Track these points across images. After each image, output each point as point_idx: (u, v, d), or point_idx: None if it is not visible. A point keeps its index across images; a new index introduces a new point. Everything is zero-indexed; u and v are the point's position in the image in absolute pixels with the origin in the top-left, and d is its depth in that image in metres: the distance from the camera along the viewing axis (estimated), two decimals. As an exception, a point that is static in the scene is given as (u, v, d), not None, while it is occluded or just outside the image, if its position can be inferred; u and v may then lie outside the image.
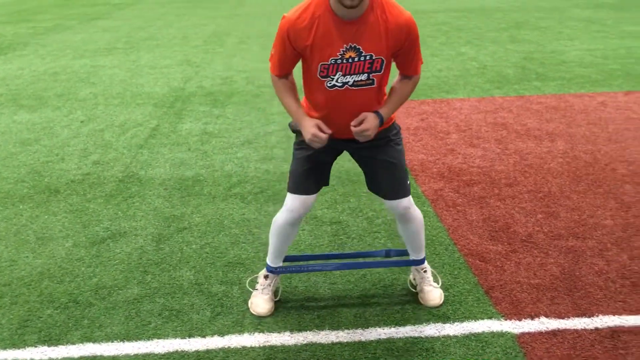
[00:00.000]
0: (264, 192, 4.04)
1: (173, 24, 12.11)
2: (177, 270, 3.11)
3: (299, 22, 2.26)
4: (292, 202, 2.57)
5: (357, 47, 2.27)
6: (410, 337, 2.55)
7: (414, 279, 2.88)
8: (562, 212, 3.65)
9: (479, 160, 4.54)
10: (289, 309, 2.77)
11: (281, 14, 2.36)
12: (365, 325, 2.64)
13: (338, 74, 2.31)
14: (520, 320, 2.63)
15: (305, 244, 3.35)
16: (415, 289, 2.85)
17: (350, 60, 2.29)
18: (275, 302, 2.79)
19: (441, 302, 2.77)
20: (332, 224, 3.58)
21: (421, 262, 2.83)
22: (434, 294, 2.78)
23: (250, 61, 8.33)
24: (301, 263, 2.97)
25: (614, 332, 2.53)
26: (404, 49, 2.33)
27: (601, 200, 3.78)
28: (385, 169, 2.54)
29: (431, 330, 2.59)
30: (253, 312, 2.73)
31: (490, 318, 2.66)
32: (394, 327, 2.62)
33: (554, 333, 2.54)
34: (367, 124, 2.33)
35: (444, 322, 2.64)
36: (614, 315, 2.64)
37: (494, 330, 2.57)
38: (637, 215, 3.57)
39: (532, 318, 2.64)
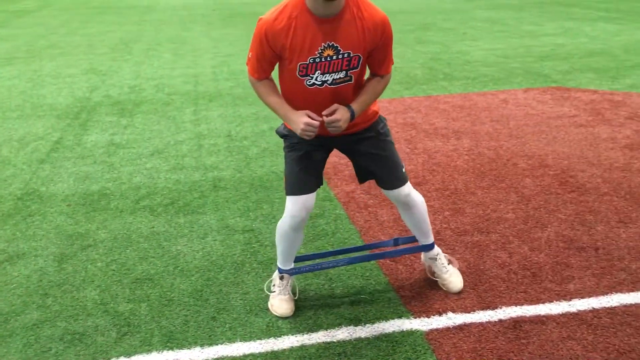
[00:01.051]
0: (175, 203, 3.94)
1: (77, 32, 11.63)
2: (80, 291, 2.96)
3: (277, 24, 2.28)
4: (293, 205, 2.57)
5: (335, 45, 2.31)
6: (323, 342, 2.55)
7: (430, 267, 2.95)
8: (467, 208, 3.77)
9: (389, 160, 4.62)
10: (199, 323, 2.70)
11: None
12: (278, 333, 2.62)
13: (317, 72, 2.35)
14: (428, 317, 2.69)
15: (217, 254, 3.29)
16: (434, 277, 2.93)
17: (328, 59, 2.33)
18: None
19: (462, 285, 2.86)
20: (244, 232, 3.54)
21: (431, 246, 2.89)
22: (454, 281, 2.87)
23: (160, 68, 8.12)
24: (312, 262, 2.96)
25: (516, 323, 2.63)
26: (378, 48, 2.39)
27: (503, 194, 3.94)
28: (377, 162, 2.61)
29: (343, 334, 2.60)
30: (275, 314, 2.74)
31: (400, 317, 2.70)
32: (307, 333, 2.61)
33: (461, 327, 2.61)
34: (338, 115, 2.36)
35: (356, 325, 2.66)
36: (516, 306, 2.75)
37: (404, 329, 2.61)
38: (537, 207, 3.74)
39: (440, 314, 2.71)
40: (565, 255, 3.17)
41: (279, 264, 2.81)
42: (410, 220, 2.80)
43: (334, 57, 2.32)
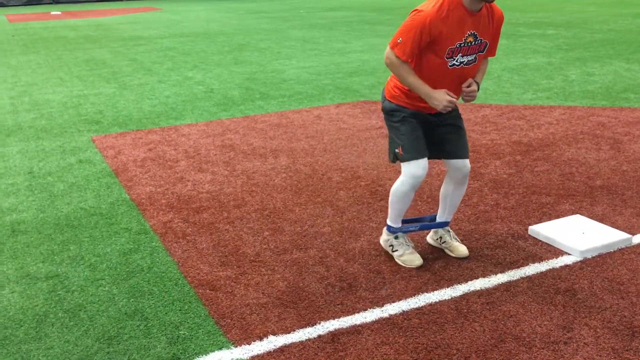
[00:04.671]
0: (-36, 256, 3.48)
1: None
2: None
3: (439, 14, 2.82)
4: (415, 167, 3.06)
5: (475, 33, 2.92)
6: (139, 389, 2.39)
7: (441, 238, 3.40)
8: (286, 226, 3.81)
9: (208, 185, 4.54)
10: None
11: None
12: (88, 388, 2.40)
13: (459, 55, 2.92)
14: (249, 344, 2.64)
15: (16, 308, 2.95)
16: (444, 245, 3.38)
17: (469, 44, 2.92)
18: None
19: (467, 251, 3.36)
20: (48, 279, 3.22)
21: (449, 222, 3.42)
22: (462, 247, 3.35)
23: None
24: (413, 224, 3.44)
25: (334, 336, 2.68)
26: (496, 35, 3.04)
27: (320, 209, 4.05)
28: (457, 133, 3.16)
29: (160, 376, 2.46)
30: (412, 266, 3.20)
31: (221, 349, 2.62)
32: (120, 382, 2.43)
33: (282, 350, 2.60)
34: (474, 87, 3.01)
35: (174, 364, 2.53)
36: (333, 319, 2.80)
37: (225, 361, 2.54)
38: (351, 218, 3.89)
39: (261, 339, 2.67)
40: (377, 262, 3.32)
41: (391, 223, 3.28)
42: (456, 195, 3.28)
43: (473, 43, 2.92)
